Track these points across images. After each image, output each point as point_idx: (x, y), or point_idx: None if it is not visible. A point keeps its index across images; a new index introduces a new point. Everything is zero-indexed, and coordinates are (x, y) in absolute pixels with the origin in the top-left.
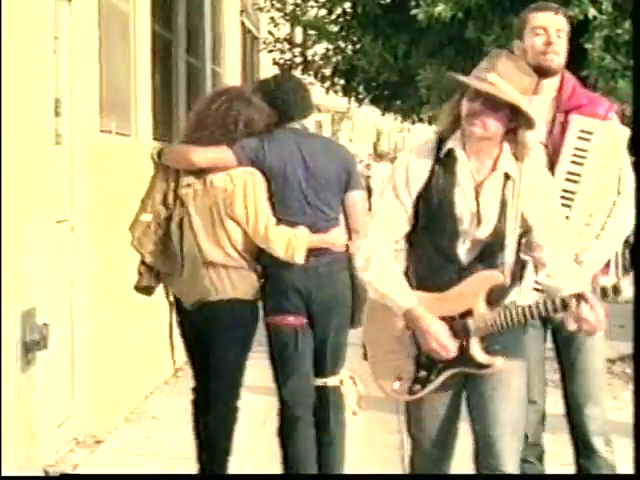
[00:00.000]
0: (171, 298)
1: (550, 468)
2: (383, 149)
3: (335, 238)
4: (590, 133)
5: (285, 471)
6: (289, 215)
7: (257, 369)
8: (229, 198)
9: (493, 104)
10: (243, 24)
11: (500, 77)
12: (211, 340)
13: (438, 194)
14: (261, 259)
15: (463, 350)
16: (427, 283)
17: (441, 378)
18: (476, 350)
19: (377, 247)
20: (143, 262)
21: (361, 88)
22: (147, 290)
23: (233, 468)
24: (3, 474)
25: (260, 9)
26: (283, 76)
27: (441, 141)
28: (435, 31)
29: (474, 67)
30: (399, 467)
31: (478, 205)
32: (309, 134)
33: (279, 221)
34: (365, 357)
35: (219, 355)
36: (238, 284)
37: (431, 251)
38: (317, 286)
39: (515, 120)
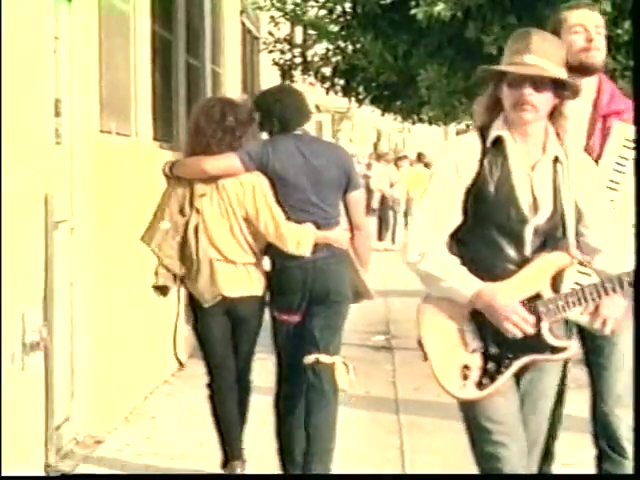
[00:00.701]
0: (182, 298)
1: (550, 468)
2: (382, 149)
3: (338, 236)
4: (633, 142)
5: (279, 440)
6: (293, 214)
7: (257, 370)
8: (241, 201)
9: (538, 85)
10: (243, 24)
11: (537, 56)
12: (232, 330)
13: (494, 183)
14: (270, 254)
15: (534, 336)
16: (482, 278)
17: (512, 369)
18: (548, 334)
19: (430, 240)
20: (161, 264)
21: (361, 88)
22: (163, 290)
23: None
24: (3, 474)
25: (260, 8)
26: (280, 88)
27: (483, 133)
28: (435, 31)
29: (474, 67)
30: (399, 467)
31: (533, 190)
32: (310, 138)
33: (286, 217)
34: (425, 358)
35: (244, 343)
36: (250, 280)
37: (488, 243)
38: (314, 278)
39: (559, 95)
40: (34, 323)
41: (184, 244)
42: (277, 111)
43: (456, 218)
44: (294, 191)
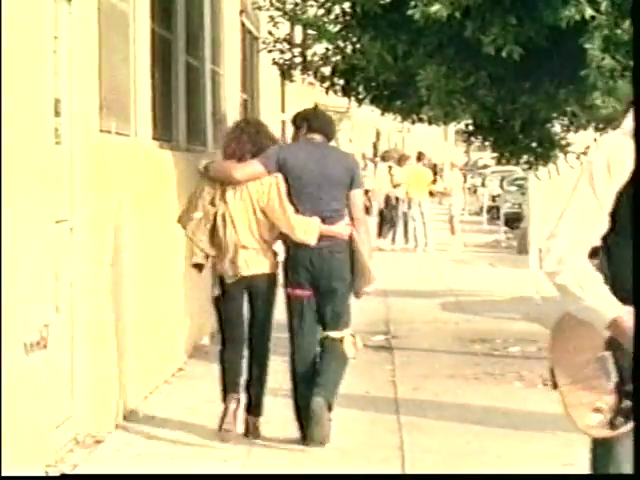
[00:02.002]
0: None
1: (551, 468)
2: (384, 149)
3: (340, 229)
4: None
5: (294, 394)
6: (304, 208)
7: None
8: (260, 197)
9: None
10: (243, 24)
11: None
12: (252, 302)
13: None
14: (284, 242)
15: None
16: (623, 299)
17: None
18: None
19: (571, 249)
20: (197, 246)
21: (361, 88)
22: (199, 267)
23: (232, 468)
24: (3, 474)
25: (259, 7)
26: (320, 111)
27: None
28: (434, 31)
29: (473, 67)
30: (399, 467)
31: None
32: (322, 143)
33: (297, 212)
34: (554, 386)
35: (260, 312)
36: (264, 261)
37: (636, 259)
38: (321, 263)
39: None
40: (34, 323)
41: (213, 230)
42: (313, 122)
43: (600, 226)
44: (304, 187)
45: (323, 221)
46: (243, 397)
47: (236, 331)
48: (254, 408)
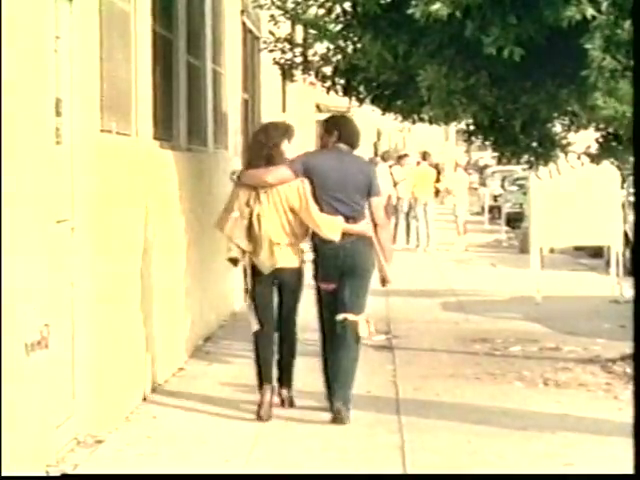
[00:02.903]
0: (242, 265)
1: (551, 468)
2: (384, 148)
3: (361, 227)
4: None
5: (324, 368)
6: (328, 208)
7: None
8: (288, 198)
9: None
10: (244, 24)
11: None
12: (281, 292)
13: None
14: (312, 239)
15: None
16: None
17: None
18: None
19: None
20: (233, 243)
21: (361, 88)
22: (234, 261)
23: (233, 468)
24: (3, 474)
25: (260, 7)
26: (351, 122)
27: None
28: (435, 31)
29: (474, 67)
30: (399, 467)
31: None
32: (346, 152)
33: (321, 211)
34: None
35: (289, 300)
36: (293, 256)
37: None
38: (345, 256)
39: None
40: (35, 323)
41: (249, 228)
42: (344, 133)
43: None
44: (327, 190)
45: (346, 220)
46: (275, 375)
47: (268, 317)
48: (286, 382)
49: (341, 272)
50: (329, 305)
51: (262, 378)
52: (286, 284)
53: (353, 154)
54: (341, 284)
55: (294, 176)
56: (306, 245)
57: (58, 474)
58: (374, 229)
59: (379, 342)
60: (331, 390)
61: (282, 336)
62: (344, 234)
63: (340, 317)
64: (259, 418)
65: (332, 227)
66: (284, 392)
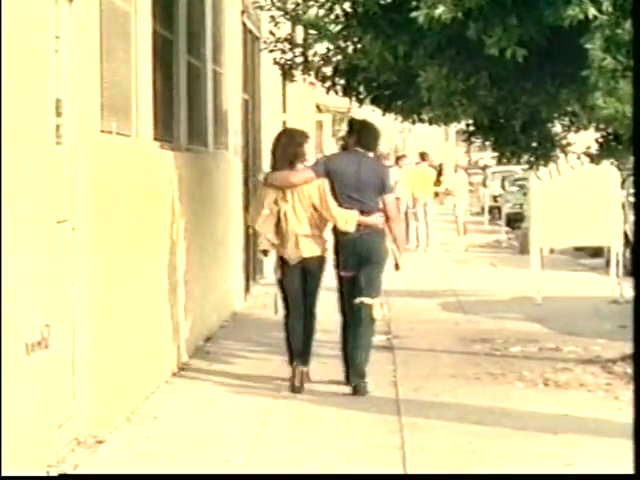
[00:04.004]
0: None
1: (551, 468)
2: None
3: (374, 220)
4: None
5: (343, 346)
6: (344, 203)
7: (258, 370)
8: (311, 196)
9: None
10: (244, 24)
11: None
12: (306, 278)
13: None
14: (333, 232)
15: None
16: None
17: None
18: None
19: None
20: (264, 236)
21: (361, 88)
22: (265, 252)
23: (233, 468)
24: (3, 474)
25: (260, 7)
26: (372, 127)
27: None
28: (435, 32)
29: (474, 68)
30: (399, 467)
31: None
32: (362, 154)
33: (340, 206)
34: None
35: (312, 285)
36: (316, 247)
37: None
38: (361, 245)
39: None
40: (35, 323)
41: (278, 224)
42: (364, 136)
43: None
44: (345, 188)
45: (362, 214)
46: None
47: (297, 302)
48: (305, 359)
49: (358, 260)
50: (348, 290)
51: (292, 355)
52: (309, 271)
53: (369, 156)
54: (358, 271)
55: (315, 177)
56: (328, 236)
57: (58, 474)
58: (387, 223)
59: (379, 342)
60: (349, 366)
61: (304, 316)
62: (360, 226)
63: (357, 301)
64: (293, 390)
65: (348, 220)
66: (303, 369)
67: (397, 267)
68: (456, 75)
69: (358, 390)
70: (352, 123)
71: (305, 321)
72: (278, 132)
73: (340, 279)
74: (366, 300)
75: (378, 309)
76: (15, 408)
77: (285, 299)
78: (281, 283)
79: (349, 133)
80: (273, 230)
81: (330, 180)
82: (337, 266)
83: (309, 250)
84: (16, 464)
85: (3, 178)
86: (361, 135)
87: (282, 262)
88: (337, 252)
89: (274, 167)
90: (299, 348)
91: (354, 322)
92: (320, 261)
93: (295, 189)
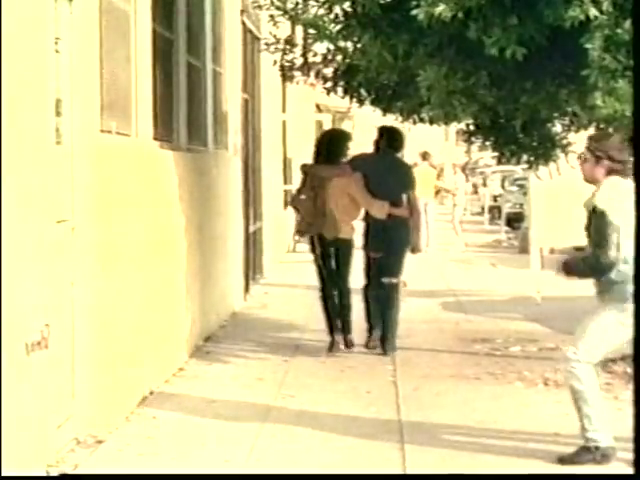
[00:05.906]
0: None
1: (551, 468)
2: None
3: (401, 211)
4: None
5: (367, 319)
6: (377, 196)
7: (257, 370)
8: (347, 186)
9: None
10: (244, 24)
11: None
12: (339, 255)
13: None
14: (365, 218)
15: None
16: None
17: None
18: None
19: None
20: (303, 217)
21: (362, 89)
22: (301, 233)
23: (233, 468)
24: (3, 474)
25: (260, 7)
26: (399, 132)
27: None
28: (435, 31)
29: (474, 68)
30: (399, 467)
31: None
32: (390, 154)
33: (373, 197)
34: None
35: (344, 262)
36: (348, 229)
37: None
38: (389, 231)
39: None
40: (35, 323)
41: (314, 207)
42: (391, 139)
43: None
44: (376, 183)
45: (391, 205)
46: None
47: (331, 275)
48: (347, 328)
49: (385, 244)
50: (376, 269)
51: (331, 325)
52: (343, 250)
53: (396, 156)
54: (386, 253)
55: (351, 171)
56: (358, 223)
57: (58, 474)
58: (411, 214)
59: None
60: (380, 333)
61: (340, 292)
62: (389, 215)
63: (385, 280)
64: (330, 353)
65: (380, 209)
66: (346, 336)
67: (414, 250)
68: (456, 74)
69: (387, 352)
70: (382, 129)
71: (341, 296)
72: (323, 131)
73: (368, 259)
74: (393, 280)
75: (402, 287)
76: (15, 408)
77: (320, 273)
78: (317, 262)
79: (380, 137)
80: (311, 213)
81: (364, 175)
82: (365, 248)
83: (342, 233)
84: (16, 464)
85: (3, 178)
86: (390, 139)
87: (320, 240)
88: (367, 236)
89: (317, 160)
90: (335, 318)
91: (382, 298)
92: (349, 243)
93: (335, 180)
